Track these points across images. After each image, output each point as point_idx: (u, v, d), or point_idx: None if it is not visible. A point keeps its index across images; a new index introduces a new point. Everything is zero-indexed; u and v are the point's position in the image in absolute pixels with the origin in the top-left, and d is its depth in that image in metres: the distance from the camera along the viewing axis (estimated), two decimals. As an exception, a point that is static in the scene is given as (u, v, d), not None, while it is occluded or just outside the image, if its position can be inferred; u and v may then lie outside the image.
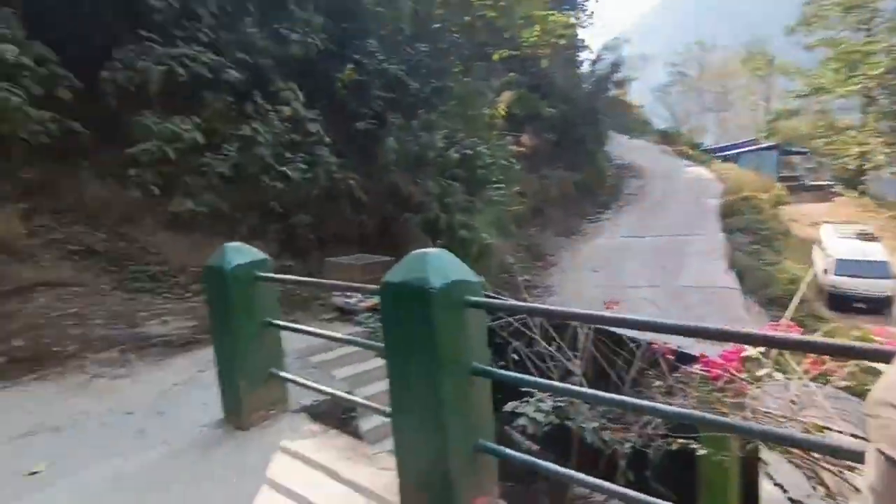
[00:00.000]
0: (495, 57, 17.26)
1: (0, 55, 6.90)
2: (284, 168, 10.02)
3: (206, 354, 6.47)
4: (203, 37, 9.47)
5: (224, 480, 2.83)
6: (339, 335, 3.43)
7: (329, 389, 3.36)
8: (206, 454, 3.12)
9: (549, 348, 4.98)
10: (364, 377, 6.51)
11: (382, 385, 2.38)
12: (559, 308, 2.32)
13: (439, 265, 2.20)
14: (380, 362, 6.14)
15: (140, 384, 5.85)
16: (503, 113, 17.88)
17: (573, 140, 23.96)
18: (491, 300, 2.57)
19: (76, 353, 6.11)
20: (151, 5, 8.71)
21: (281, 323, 3.37)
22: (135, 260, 7.92)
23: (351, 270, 9.06)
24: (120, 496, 2.82)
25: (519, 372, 3.61)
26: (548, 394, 4.59)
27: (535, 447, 5.29)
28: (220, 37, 9.78)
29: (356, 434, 5.25)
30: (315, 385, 3.32)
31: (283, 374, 3.44)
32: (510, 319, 5.23)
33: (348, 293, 8.61)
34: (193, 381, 5.86)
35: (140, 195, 8.28)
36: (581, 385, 4.62)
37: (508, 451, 2.26)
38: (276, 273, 3.45)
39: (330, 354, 6.89)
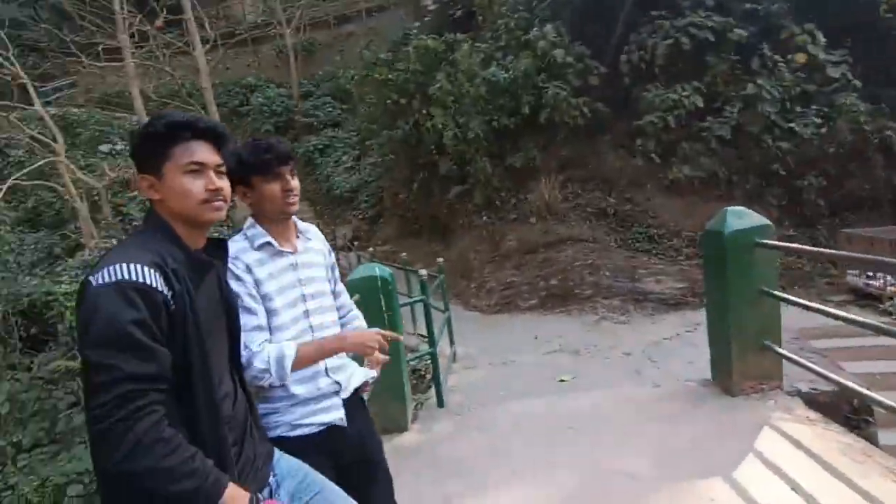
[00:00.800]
0: None
1: (554, 58, 9.07)
2: (792, 124, 8.87)
3: (694, 317, 6.75)
4: (709, 1, 9.36)
5: (707, 433, 3.02)
6: (867, 321, 2.91)
7: (848, 383, 2.94)
8: (693, 405, 3.37)
9: None
10: (890, 379, 5.26)
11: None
12: None
13: None
14: (915, 365, 4.83)
15: (636, 332, 6.71)
16: None
17: None
18: None
19: (590, 296, 7.60)
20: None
21: (782, 295, 3.19)
22: (637, 222, 8.94)
23: (878, 245, 7.34)
24: (623, 413, 3.45)
25: None
26: None
27: None
28: (727, -7, 9.42)
29: (871, 442, 4.38)
30: (824, 371, 2.97)
31: (779, 349, 3.27)
32: None
33: (871, 273, 7.01)
34: (681, 338, 6.23)
35: (643, 163, 9.17)
36: None
37: None
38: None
39: (838, 342, 5.89)
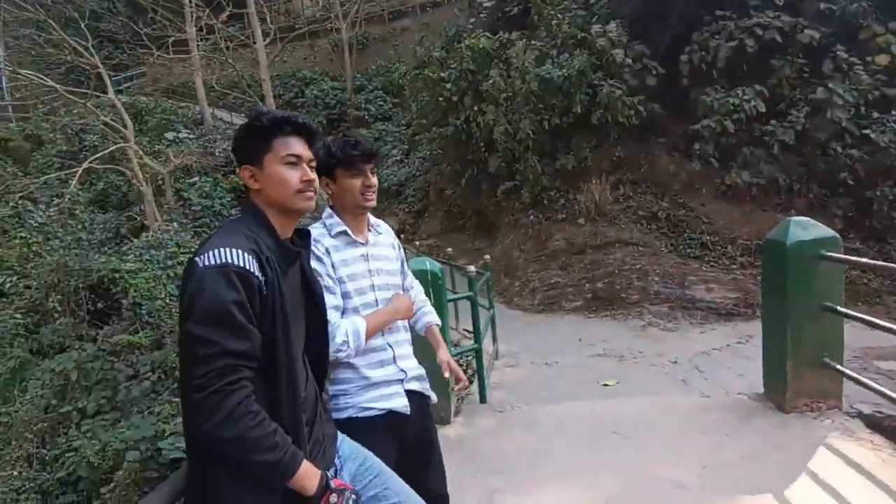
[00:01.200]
0: None
1: (613, 58, 8.88)
2: (867, 131, 8.38)
3: (746, 329, 6.52)
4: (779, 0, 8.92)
5: (757, 448, 2.94)
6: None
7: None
8: (742, 419, 3.28)
9: None
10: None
11: None
12: None
13: None
14: None
15: (684, 340, 6.53)
16: None
17: None
18: None
19: (637, 301, 7.44)
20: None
21: (847, 311, 3.06)
22: (689, 227, 8.64)
23: (956, 264, 6.83)
24: (669, 421, 3.39)
25: None
26: None
27: None
28: (799, -7, 8.95)
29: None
30: (891, 394, 2.81)
31: (841, 368, 3.14)
32: None
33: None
34: (731, 350, 6.03)
35: (699, 167, 8.86)
36: None
37: None
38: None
39: (905, 364, 5.54)
